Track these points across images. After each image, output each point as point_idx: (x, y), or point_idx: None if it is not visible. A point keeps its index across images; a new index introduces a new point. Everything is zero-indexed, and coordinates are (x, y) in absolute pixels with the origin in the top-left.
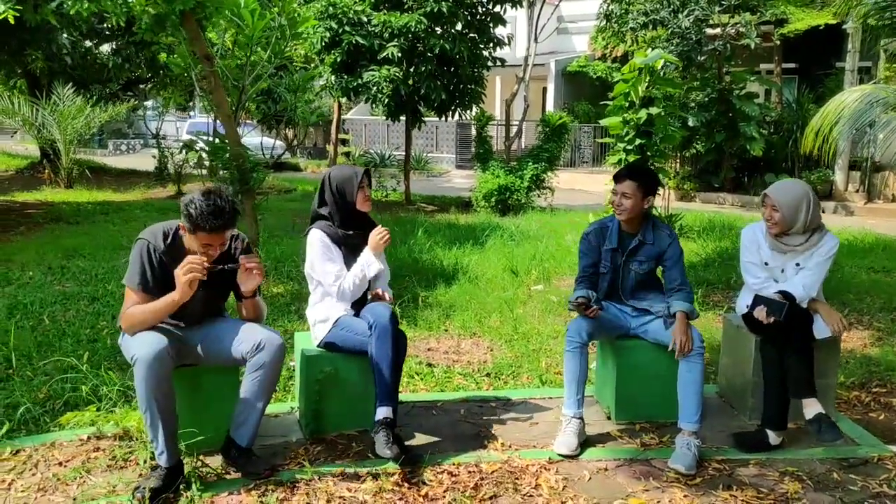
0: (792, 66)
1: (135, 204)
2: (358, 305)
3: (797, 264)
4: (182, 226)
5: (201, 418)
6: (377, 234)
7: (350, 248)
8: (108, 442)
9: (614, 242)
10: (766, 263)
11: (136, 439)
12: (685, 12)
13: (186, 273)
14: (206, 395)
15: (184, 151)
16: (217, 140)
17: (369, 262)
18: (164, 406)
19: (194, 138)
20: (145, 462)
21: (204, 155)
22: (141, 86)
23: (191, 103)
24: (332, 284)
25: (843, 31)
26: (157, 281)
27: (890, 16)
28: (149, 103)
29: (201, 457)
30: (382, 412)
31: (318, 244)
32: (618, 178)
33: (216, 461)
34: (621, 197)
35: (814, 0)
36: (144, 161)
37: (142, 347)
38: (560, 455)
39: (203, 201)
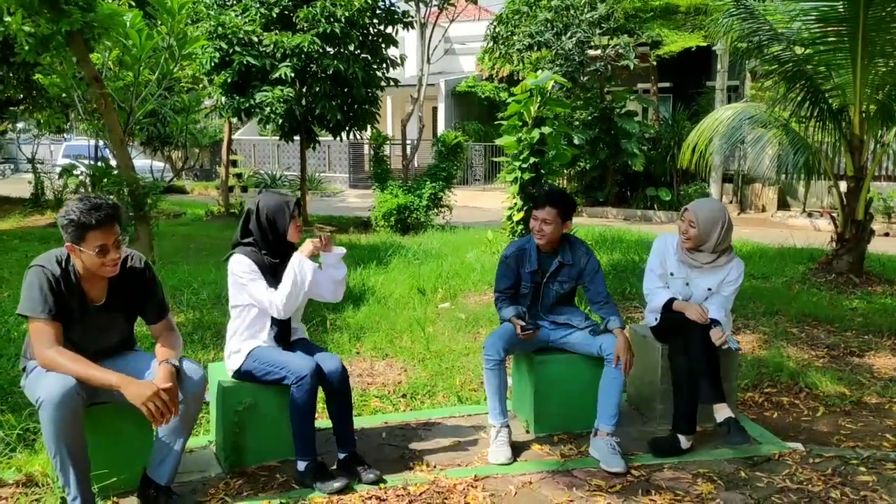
0: (667, 85)
1: (12, 233)
2: (284, 341)
3: (709, 289)
4: (69, 246)
5: (115, 458)
6: (308, 242)
7: (275, 276)
8: (10, 490)
9: (534, 264)
10: (672, 273)
11: (42, 485)
12: (568, 34)
13: (148, 403)
14: (119, 433)
15: (63, 177)
16: (102, 164)
17: (300, 264)
18: (74, 448)
19: (74, 162)
20: None
21: (87, 180)
22: (12, 108)
23: (67, 125)
24: (264, 299)
25: (713, 52)
26: (59, 307)
27: (757, 40)
28: (20, 126)
29: (116, 499)
30: (300, 464)
31: (240, 264)
32: (537, 205)
33: (133, 503)
34: (541, 223)
35: (685, 23)
36: (17, 187)
37: (47, 388)
38: (499, 464)
39: (78, 203)
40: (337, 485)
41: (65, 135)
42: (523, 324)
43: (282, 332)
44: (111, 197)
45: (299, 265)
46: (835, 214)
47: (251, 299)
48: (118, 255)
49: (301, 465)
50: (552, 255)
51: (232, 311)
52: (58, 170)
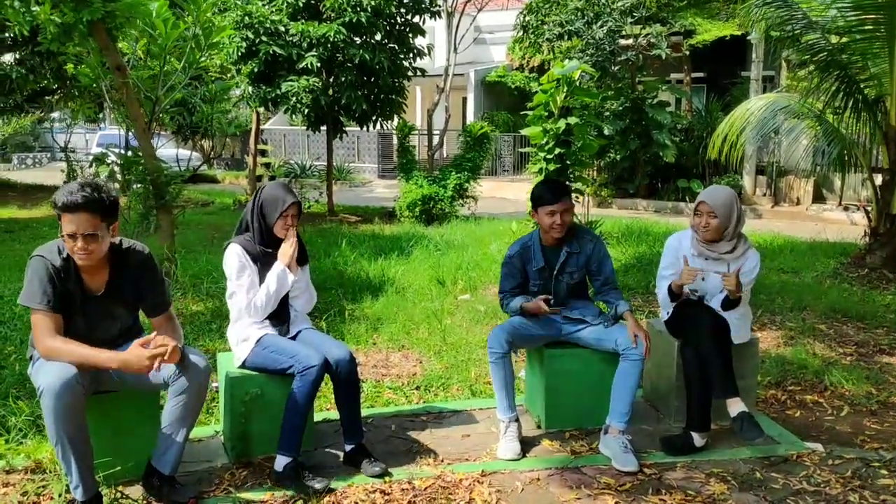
0: (700, 75)
1: (43, 221)
2: (278, 320)
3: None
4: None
5: (119, 447)
6: (287, 244)
7: (267, 266)
8: (18, 476)
9: (540, 261)
10: None
11: (50, 472)
12: (599, 24)
13: (150, 356)
14: (123, 422)
15: (94, 165)
16: (130, 153)
17: (279, 275)
18: (75, 437)
19: (105, 151)
20: (60, 496)
21: (116, 169)
22: (47, 97)
23: (101, 115)
24: (243, 298)
25: (748, 42)
26: (58, 298)
27: (791, 29)
28: (55, 115)
29: (120, 487)
30: (280, 461)
31: (232, 257)
32: (555, 199)
33: (137, 491)
34: (562, 215)
35: (720, 12)
36: (52, 175)
37: (48, 377)
38: (507, 459)
39: (71, 184)
40: (318, 486)
41: (99, 124)
42: (546, 296)
43: (276, 315)
44: (139, 186)
45: (277, 277)
46: (870, 208)
47: (232, 290)
48: (88, 247)
49: (280, 464)
50: (557, 247)
51: (231, 299)
52: (90, 159)
